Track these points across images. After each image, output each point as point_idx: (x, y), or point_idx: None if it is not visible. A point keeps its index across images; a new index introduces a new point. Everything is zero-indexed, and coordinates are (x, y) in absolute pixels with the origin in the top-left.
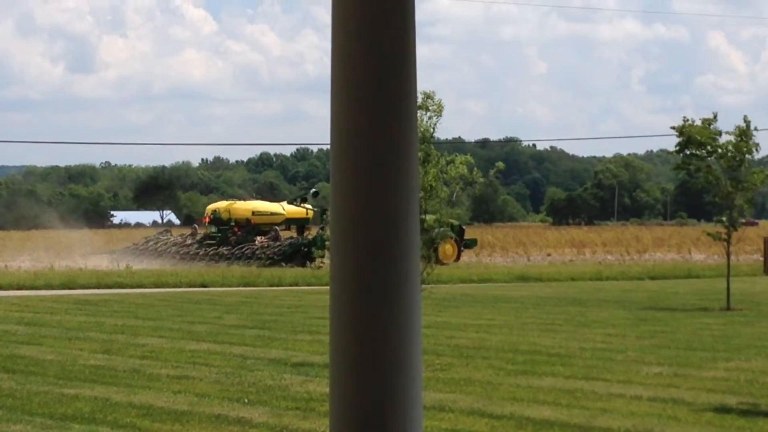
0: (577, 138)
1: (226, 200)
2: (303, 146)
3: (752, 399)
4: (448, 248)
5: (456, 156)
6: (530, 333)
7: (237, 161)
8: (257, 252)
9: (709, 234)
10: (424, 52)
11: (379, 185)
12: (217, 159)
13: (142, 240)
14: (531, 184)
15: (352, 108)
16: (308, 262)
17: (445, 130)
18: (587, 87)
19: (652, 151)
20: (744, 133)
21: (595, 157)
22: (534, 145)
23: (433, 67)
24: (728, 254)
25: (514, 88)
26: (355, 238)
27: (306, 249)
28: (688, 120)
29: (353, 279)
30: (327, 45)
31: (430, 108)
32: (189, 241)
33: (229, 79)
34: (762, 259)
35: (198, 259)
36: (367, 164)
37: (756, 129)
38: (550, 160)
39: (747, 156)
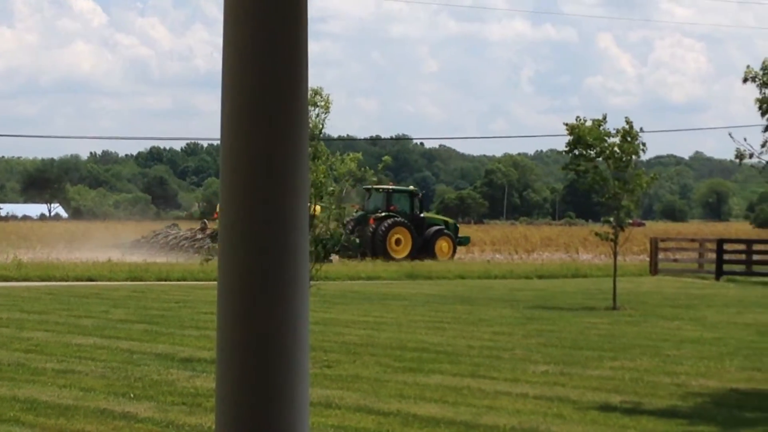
0: (467, 137)
1: None
2: (193, 141)
3: (636, 398)
4: (444, 245)
5: (347, 154)
6: (418, 330)
7: (126, 155)
8: None
9: (596, 234)
10: (314, 48)
11: (269, 181)
12: (106, 153)
13: (151, 233)
14: (421, 182)
15: (242, 104)
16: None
17: (335, 127)
18: (477, 86)
19: (541, 151)
20: (628, 134)
21: (485, 156)
22: (422, 143)
23: (324, 63)
24: (615, 254)
25: (405, 87)
26: (244, 234)
27: (321, 245)
28: (581, 119)
29: (241, 275)
30: (217, 40)
31: (318, 104)
32: (199, 236)
33: (118, 73)
34: (648, 259)
35: (210, 252)
36: (257, 160)
37: (641, 129)
38: (441, 159)
39: (633, 157)
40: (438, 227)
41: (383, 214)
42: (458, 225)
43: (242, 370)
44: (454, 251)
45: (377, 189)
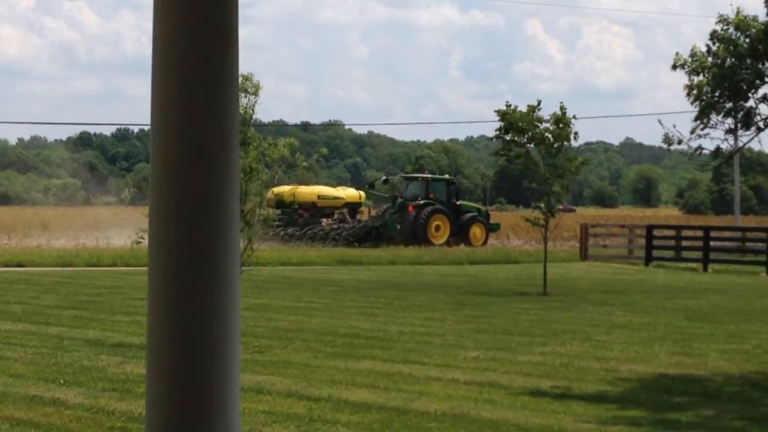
0: (398, 123)
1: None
2: (123, 126)
3: (566, 383)
4: (477, 231)
5: (280, 139)
6: (350, 316)
7: (56, 140)
8: (330, 233)
9: (527, 220)
10: (242, 33)
11: (200, 167)
12: (35, 138)
13: None
14: (352, 168)
15: (173, 90)
16: (381, 243)
17: (266, 113)
18: (407, 72)
19: (472, 136)
20: (561, 120)
21: (416, 142)
22: (350, 129)
23: (252, 48)
24: (545, 240)
25: (335, 72)
26: (175, 220)
27: (376, 231)
28: (511, 105)
29: (172, 260)
30: (146, 24)
31: (248, 90)
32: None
33: (46, 57)
34: (579, 245)
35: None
36: (187, 145)
37: (575, 117)
38: (371, 145)
39: (565, 143)
40: (472, 214)
41: (422, 201)
42: (489, 212)
43: (173, 356)
44: (487, 237)
45: (415, 177)
